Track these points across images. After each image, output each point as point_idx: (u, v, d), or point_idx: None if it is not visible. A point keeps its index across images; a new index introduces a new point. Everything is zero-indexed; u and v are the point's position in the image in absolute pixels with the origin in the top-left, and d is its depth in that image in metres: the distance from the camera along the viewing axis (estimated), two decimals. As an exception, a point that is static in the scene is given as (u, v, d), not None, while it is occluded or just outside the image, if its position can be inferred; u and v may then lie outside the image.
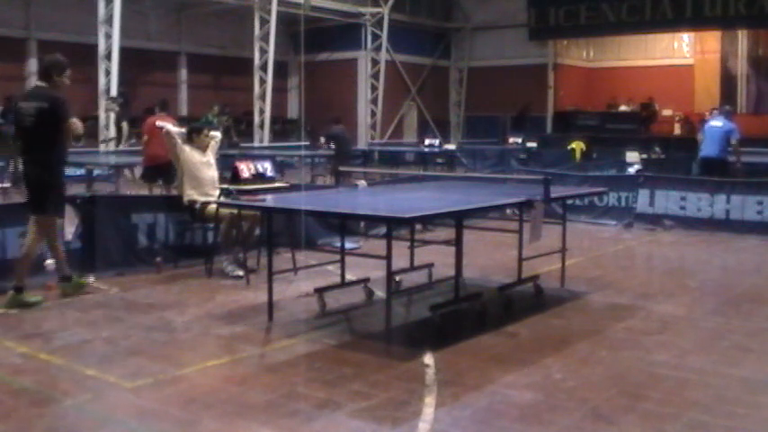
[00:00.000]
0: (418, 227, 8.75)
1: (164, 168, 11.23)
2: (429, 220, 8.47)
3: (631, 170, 14.47)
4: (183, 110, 23.83)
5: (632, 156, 16.19)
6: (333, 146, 15.49)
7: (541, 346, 5.36)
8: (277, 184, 8.40)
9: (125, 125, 19.41)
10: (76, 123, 6.39)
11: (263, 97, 22.97)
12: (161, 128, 10.96)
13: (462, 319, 6.03)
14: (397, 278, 6.66)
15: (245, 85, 23.30)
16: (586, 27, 26.07)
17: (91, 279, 6.98)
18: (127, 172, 13.46)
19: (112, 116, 18.98)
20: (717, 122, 12.58)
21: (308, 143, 21.39)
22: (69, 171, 14.94)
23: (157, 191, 11.25)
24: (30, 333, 5.56)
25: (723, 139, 12.27)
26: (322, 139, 15.70)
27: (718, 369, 4.90)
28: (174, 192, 8.87)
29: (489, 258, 8.23)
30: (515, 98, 27.00)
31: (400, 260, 6.60)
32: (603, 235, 10.61)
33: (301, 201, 6.58)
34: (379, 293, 6.47)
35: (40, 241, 6.50)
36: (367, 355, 5.11)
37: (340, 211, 6.37)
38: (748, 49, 25.99)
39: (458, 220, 6.12)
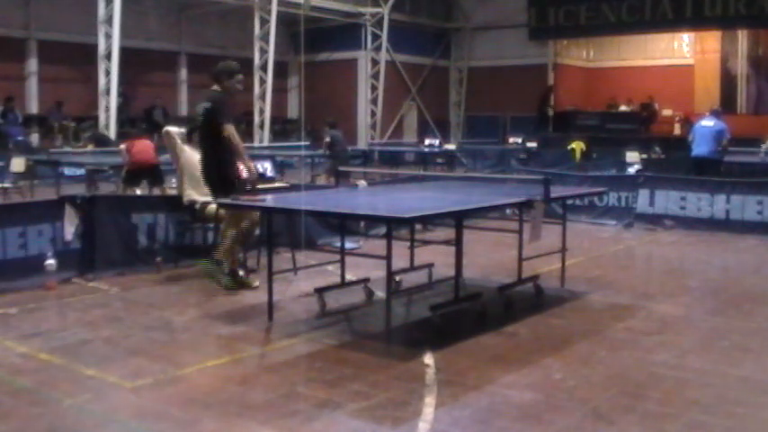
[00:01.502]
0: (418, 227, 8.75)
1: (147, 171, 11.29)
2: (429, 220, 8.47)
3: (631, 170, 14.48)
4: (183, 110, 23.81)
5: (632, 156, 16.20)
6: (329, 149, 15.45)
7: (541, 346, 5.36)
8: (277, 184, 8.40)
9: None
10: (228, 129, 6.63)
11: (263, 97, 22.98)
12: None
13: (462, 319, 6.03)
14: (397, 278, 6.67)
15: (246, 85, 23.21)
16: (586, 27, 26.04)
17: (257, 283, 6.92)
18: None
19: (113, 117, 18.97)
20: (708, 122, 12.69)
21: (308, 143, 21.38)
22: (69, 171, 15.19)
23: (139, 192, 11.25)
24: (30, 333, 5.56)
25: (714, 139, 12.42)
26: (327, 139, 15.64)
27: (719, 369, 4.90)
28: (169, 192, 8.86)
29: (489, 258, 8.23)
30: (515, 98, 26.99)
31: (400, 260, 6.60)
32: (603, 235, 10.61)
33: (301, 201, 6.57)
34: (379, 293, 6.47)
35: (233, 228, 6.86)
36: (367, 355, 5.11)
37: (340, 211, 6.37)
38: (748, 49, 25.97)
39: (458, 220, 6.12)
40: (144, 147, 11.38)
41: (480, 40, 28.97)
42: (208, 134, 6.79)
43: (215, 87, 6.86)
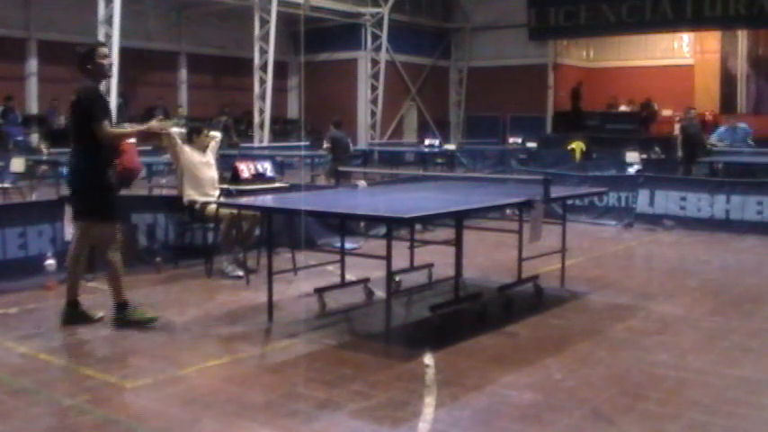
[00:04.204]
0: (418, 227, 8.74)
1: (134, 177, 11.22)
2: (429, 220, 8.47)
3: (631, 170, 14.49)
4: (183, 110, 23.81)
5: (632, 156, 16.20)
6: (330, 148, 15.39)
7: (541, 346, 5.36)
8: (277, 184, 8.41)
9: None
10: (104, 128, 5.53)
11: (263, 97, 22.97)
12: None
13: (462, 319, 6.03)
14: (397, 278, 6.66)
15: (245, 85, 23.29)
16: (586, 27, 26.04)
17: (99, 315, 5.93)
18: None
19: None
20: None
21: (308, 143, 21.38)
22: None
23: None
24: (30, 333, 5.56)
25: None
26: (325, 144, 15.57)
27: (718, 369, 4.90)
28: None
29: (489, 258, 8.23)
30: (515, 98, 26.99)
31: (400, 260, 6.60)
32: (603, 235, 10.60)
33: (301, 201, 6.57)
34: (379, 293, 6.46)
35: (103, 249, 5.83)
36: (367, 355, 5.12)
37: (340, 211, 6.37)
38: (748, 49, 25.97)
39: (458, 220, 6.12)
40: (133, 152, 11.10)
41: (480, 40, 28.96)
42: (78, 132, 5.64)
43: (83, 77, 5.71)
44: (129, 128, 6.12)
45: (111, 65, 5.83)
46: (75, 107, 5.60)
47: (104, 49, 5.85)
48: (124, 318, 5.72)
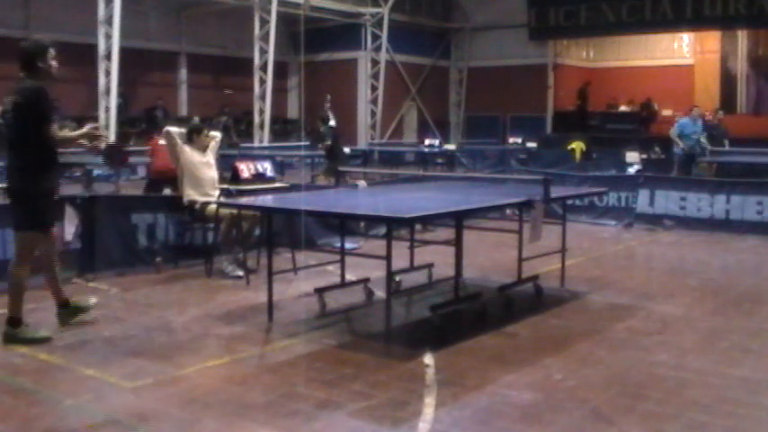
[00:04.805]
0: (418, 227, 8.74)
1: (170, 179, 11.00)
2: (429, 221, 8.47)
3: (631, 170, 14.50)
4: (183, 110, 23.83)
5: (632, 156, 16.20)
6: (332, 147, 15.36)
7: (541, 346, 5.36)
8: (277, 184, 8.42)
9: None
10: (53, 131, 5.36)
11: (263, 97, 22.97)
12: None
13: (462, 319, 6.03)
14: (397, 278, 6.66)
15: (245, 85, 23.30)
16: (586, 27, 26.04)
17: (92, 301, 6.01)
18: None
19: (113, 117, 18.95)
20: None
21: (308, 143, 21.38)
22: (69, 171, 15.12)
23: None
24: (30, 333, 5.55)
25: None
26: (326, 142, 15.49)
27: (718, 369, 4.90)
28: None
29: (489, 258, 8.23)
30: (515, 98, 26.99)
31: (400, 260, 6.60)
32: (603, 235, 10.61)
33: (301, 201, 6.57)
34: (379, 293, 6.46)
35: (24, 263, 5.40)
36: (367, 355, 5.12)
37: (340, 212, 6.37)
38: (748, 49, 25.97)
39: (458, 220, 6.12)
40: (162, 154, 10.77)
41: (480, 40, 28.96)
42: (22, 135, 5.32)
43: (24, 75, 5.43)
44: (73, 133, 5.85)
45: (56, 69, 5.54)
46: (19, 109, 5.27)
47: (53, 51, 5.55)
48: (14, 335, 5.31)
